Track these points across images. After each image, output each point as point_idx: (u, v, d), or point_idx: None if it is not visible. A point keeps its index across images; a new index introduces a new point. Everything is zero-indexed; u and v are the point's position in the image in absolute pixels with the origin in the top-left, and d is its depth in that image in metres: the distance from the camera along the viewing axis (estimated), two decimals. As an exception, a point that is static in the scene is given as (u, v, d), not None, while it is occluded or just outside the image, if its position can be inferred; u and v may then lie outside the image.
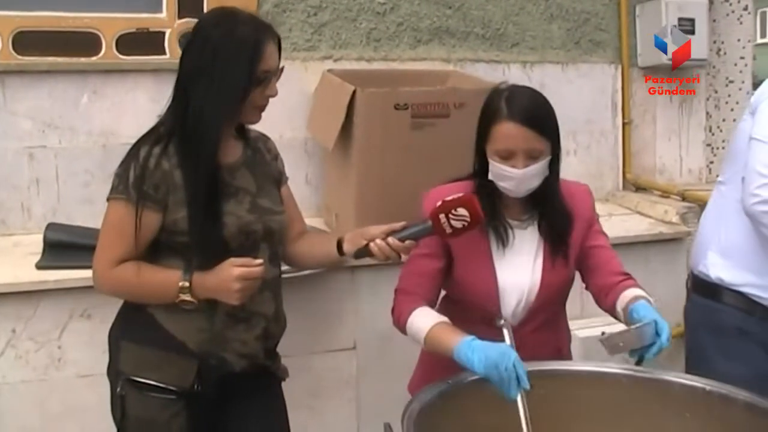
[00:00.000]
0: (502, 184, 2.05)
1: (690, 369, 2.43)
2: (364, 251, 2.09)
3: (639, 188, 4.26)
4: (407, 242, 2.04)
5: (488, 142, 2.06)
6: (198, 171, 1.96)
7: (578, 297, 3.60)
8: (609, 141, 4.28)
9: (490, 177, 2.07)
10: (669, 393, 1.92)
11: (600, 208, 4.03)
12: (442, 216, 1.99)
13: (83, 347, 2.77)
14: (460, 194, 2.00)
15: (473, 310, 2.15)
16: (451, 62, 3.86)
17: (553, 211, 2.13)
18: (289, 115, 3.54)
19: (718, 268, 2.40)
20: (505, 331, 1.96)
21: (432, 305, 2.15)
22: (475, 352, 1.84)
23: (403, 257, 2.12)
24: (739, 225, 2.32)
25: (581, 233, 2.17)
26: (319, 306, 3.08)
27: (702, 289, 2.46)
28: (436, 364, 2.09)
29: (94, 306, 2.74)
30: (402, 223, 2.08)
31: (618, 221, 3.87)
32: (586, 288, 2.21)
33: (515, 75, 3.98)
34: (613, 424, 1.94)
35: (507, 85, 2.13)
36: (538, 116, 2.03)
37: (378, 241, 2.05)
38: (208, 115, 1.96)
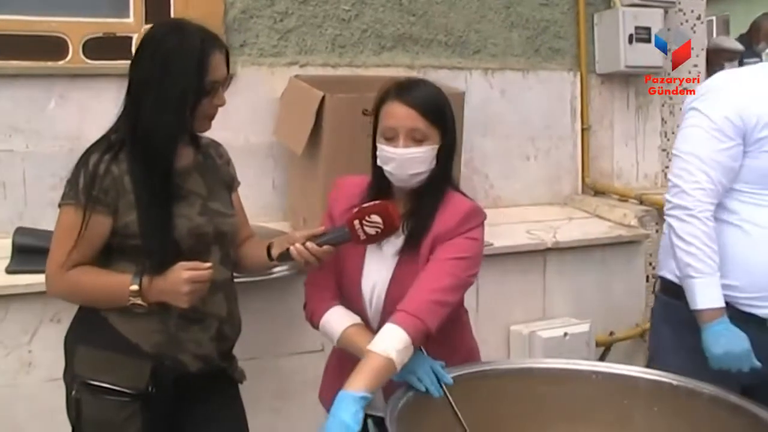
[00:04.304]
0: (386, 168, 2.03)
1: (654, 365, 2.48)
2: (285, 255, 2.10)
3: (597, 192, 4.35)
4: (325, 247, 2.04)
5: (378, 127, 2.07)
6: (151, 177, 1.99)
7: (540, 299, 3.70)
8: (568, 146, 4.36)
9: (378, 162, 2.05)
10: (637, 388, 1.98)
11: (559, 211, 4.16)
12: (356, 222, 2.00)
13: (53, 352, 2.73)
14: (377, 201, 2.01)
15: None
16: (415, 69, 3.91)
17: (419, 209, 2.07)
18: (255, 120, 3.57)
19: None
20: None
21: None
22: None
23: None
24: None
25: (433, 240, 2.04)
26: (286, 308, 3.10)
27: (669, 290, 2.49)
28: (349, 369, 1.98)
29: (65, 310, 2.72)
30: (322, 229, 2.09)
31: (577, 225, 3.96)
32: None
33: (477, 81, 4.06)
34: (582, 419, 2.00)
35: (405, 77, 2.14)
36: (425, 100, 2.02)
37: (298, 245, 2.05)
38: (159, 126, 1.97)
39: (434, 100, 2.04)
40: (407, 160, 1.99)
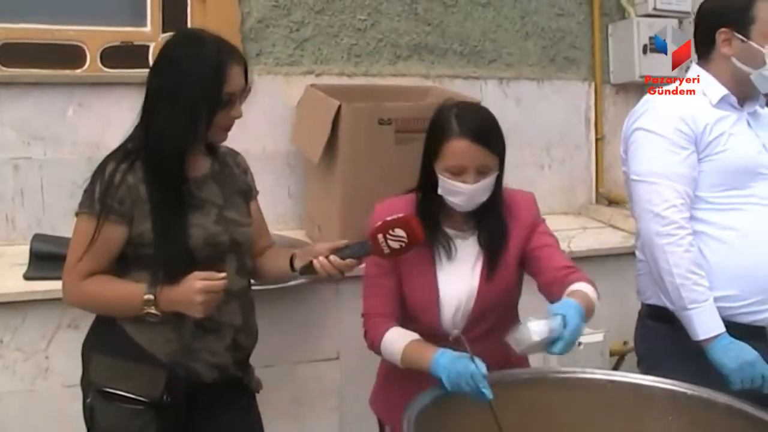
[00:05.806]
0: (452, 200, 2.09)
1: None
2: (308, 268, 2.10)
3: (611, 202, 4.34)
4: (348, 260, 2.05)
5: (438, 158, 2.09)
6: (162, 185, 2.00)
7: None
8: (582, 155, 4.37)
9: (440, 192, 2.10)
10: (651, 397, 1.98)
11: (573, 221, 4.15)
12: (380, 236, 2.00)
13: (70, 357, 2.76)
14: (400, 215, 2.02)
15: (420, 325, 2.17)
16: (430, 78, 3.93)
17: (491, 223, 2.16)
18: (272, 128, 3.59)
19: None
20: (464, 342, 1.90)
21: (399, 320, 2.19)
22: (442, 370, 1.90)
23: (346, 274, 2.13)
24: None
25: (522, 239, 2.19)
26: (304, 316, 3.12)
27: (658, 316, 2.45)
28: (395, 376, 2.15)
29: (82, 317, 2.73)
30: (345, 242, 2.10)
31: (591, 234, 3.95)
32: (539, 290, 2.21)
33: (492, 91, 4.07)
34: (596, 428, 1.99)
35: (454, 102, 2.17)
36: (487, 133, 2.08)
37: (321, 258, 2.06)
38: (169, 134, 1.98)
39: (493, 129, 2.11)
40: (477, 193, 2.07)
